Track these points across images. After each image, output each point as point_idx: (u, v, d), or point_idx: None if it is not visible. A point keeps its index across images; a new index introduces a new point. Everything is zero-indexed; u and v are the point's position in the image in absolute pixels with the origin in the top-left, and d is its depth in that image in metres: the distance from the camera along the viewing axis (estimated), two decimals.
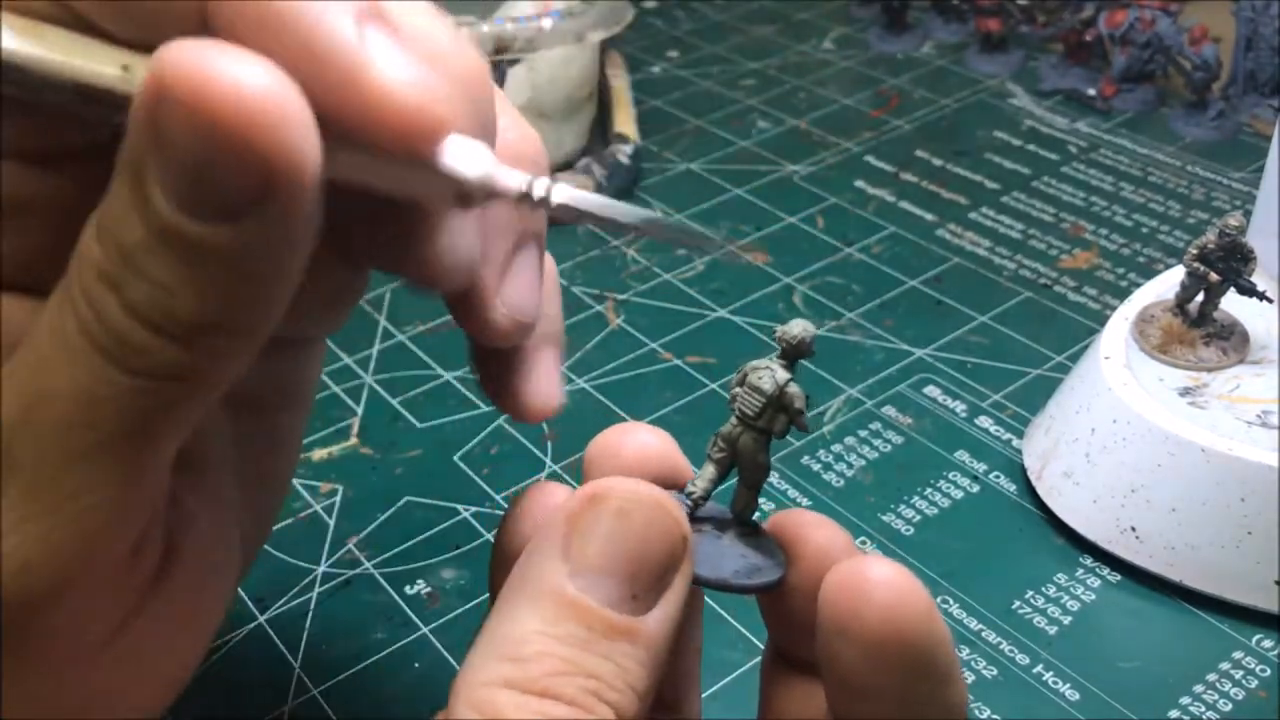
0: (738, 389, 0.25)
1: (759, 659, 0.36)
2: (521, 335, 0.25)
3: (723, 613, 0.38)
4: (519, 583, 0.21)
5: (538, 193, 0.20)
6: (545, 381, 0.26)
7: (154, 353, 0.18)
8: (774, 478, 0.43)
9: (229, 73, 0.16)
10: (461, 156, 0.19)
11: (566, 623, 0.20)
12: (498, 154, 0.21)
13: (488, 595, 0.38)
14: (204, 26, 0.18)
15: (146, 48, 0.18)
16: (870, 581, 0.21)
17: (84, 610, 0.20)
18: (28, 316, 0.20)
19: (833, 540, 0.24)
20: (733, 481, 0.25)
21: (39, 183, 0.20)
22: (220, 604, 0.25)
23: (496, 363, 0.26)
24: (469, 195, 0.19)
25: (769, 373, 0.24)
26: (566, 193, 0.20)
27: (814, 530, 0.24)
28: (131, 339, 0.18)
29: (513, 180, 0.19)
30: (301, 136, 0.17)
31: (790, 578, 0.24)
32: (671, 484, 0.25)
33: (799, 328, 0.24)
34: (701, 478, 0.25)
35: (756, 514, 0.26)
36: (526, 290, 0.24)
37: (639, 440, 0.25)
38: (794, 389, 0.24)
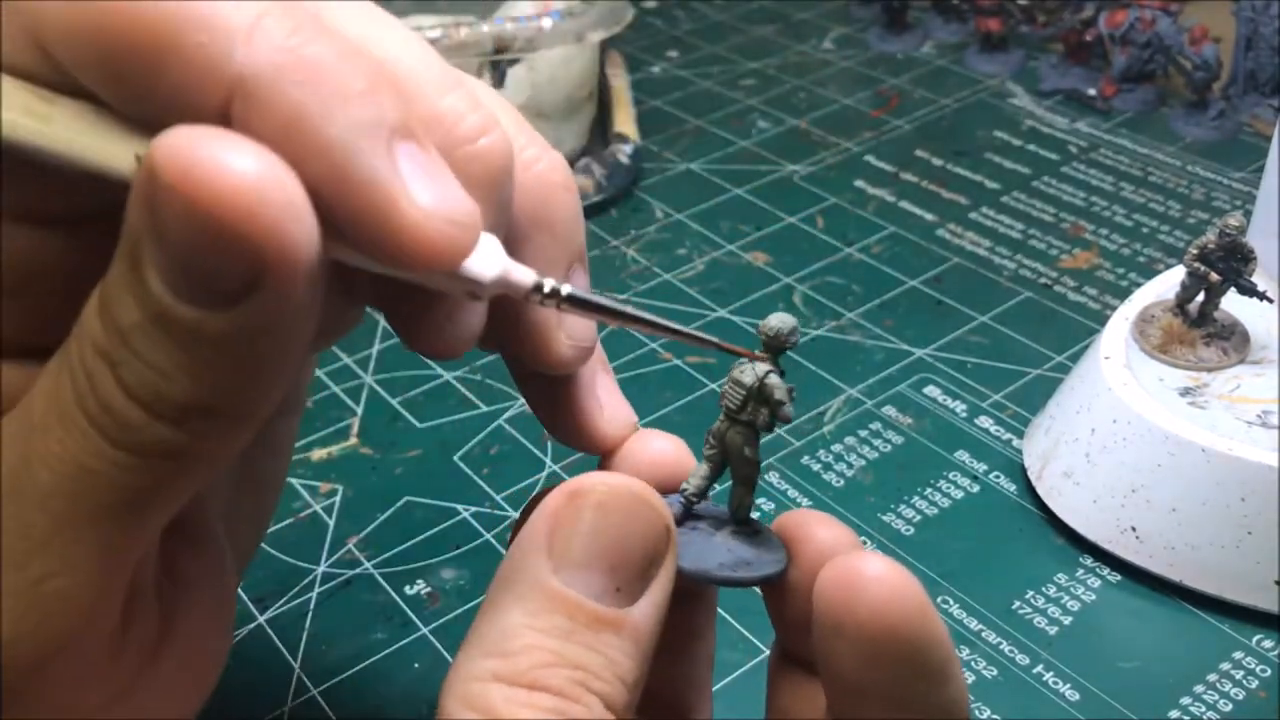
0: (725, 385, 0.25)
1: (760, 659, 0.36)
2: (583, 360, 0.25)
3: (724, 614, 0.38)
4: (505, 580, 0.21)
5: (547, 289, 0.21)
6: (615, 404, 0.26)
7: (145, 431, 0.18)
8: (774, 477, 0.43)
9: (220, 159, 0.16)
10: (477, 260, 0.19)
11: (551, 615, 0.20)
12: (525, 184, 0.22)
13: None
14: (226, 124, 0.18)
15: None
16: (864, 578, 0.21)
17: (74, 684, 0.20)
18: (30, 384, 0.20)
19: (836, 538, 0.24)
20: (729, 484, 0.25)
21: (49, 247, 0.20)
22: (217, 665, 0.25)
23: (560, 403, 0.26)
24: (481, 292, 0.20)
25: (749, 365, 0.24)
26: (573, 291, 0.21)
27: (817, 528, 0.24)
28: (124, 416, 0.18)
29: (524, 278, 0.20)
30: (295, 225, 0.17)
31: (792, 575, 0.24)
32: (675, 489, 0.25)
33: (777, 320, 0.24)
34: (695, 475, 0.25)
35: (757, 515, 0.26)
36: (583, 320, 0.25)
37: (654, 447, 0.25)
38: (774, 380, 0.24)
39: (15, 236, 0.20)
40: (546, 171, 0.23)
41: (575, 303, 0.21)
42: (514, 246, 0.23)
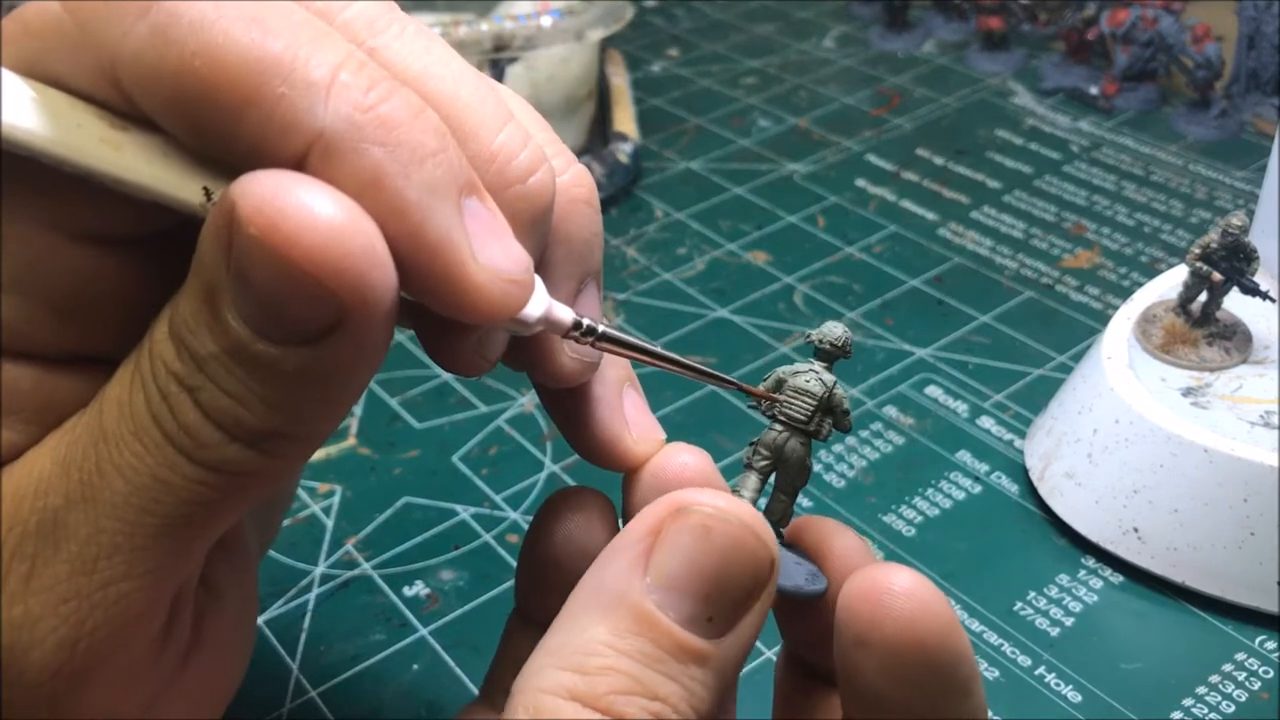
0: (775, 395, 0.24)
1: (762, 659, 0.36)
2: (589, 373, 0.25)
3: None
4: (591, 590, 0.21)
5: (585, 327, 0.22)
6: (642, 421, 0.26)
7: (223, 450, 0.19)
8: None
9: (306, 208, 0.17)
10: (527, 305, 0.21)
11: (637, 638, 0.20)
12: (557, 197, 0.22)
13: (489, 596, 0.39)
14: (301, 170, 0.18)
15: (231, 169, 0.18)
16: (891, 592, 0.20)
17: (117, 688, 0.21)
18: (71, 390, 0.20)
19: (853, 548, 0.24)
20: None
21: (106, 265, 0.20)
22: (242, 668, 0.25)
23: (586, 421, 0.25)
24: (526, 331, 0.21)
25: (814, 375, 0.24)
26: (607, 330, 0.22)
27: (835, 538, 0.24)
28: (203, 437, 0.19)
29: (564, 315, 0.22)
30: (378, 273, 0.17)
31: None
32: None
33: (840, 329, 0.24)
34: (747, 489, 0.24)
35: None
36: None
37: (678, 460, 0.25)
38: (841, 389, 0.24)
39: (76, 255, 0.20)
40: (569, 185, 0.23)
41: (610, 340, 0.22)
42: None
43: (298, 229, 0.17)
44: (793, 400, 0.24)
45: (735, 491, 0.24)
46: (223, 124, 0.18)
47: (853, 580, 0.21)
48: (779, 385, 0.24)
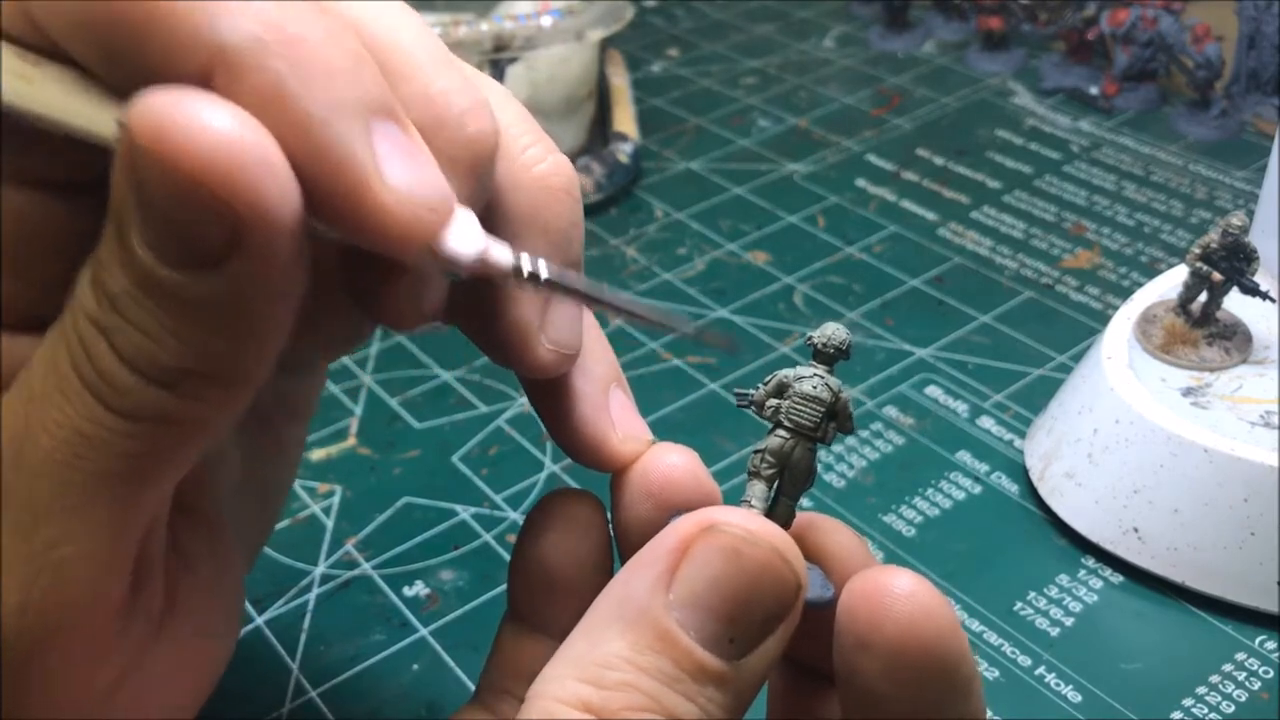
0: (777, 401, 0.24)
1: None
2: (566, 365, 0.24)
3: None
4: (614, 602, 0.20)
5: (526, 270, 0.20)
6: (628, 421, 0.25)
7: (139, 395, 0.18)
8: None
9: (195, 119, 0.16)
10: (456, 238, 0.19)
11: (657, 655, 0.19)
12: (523, 183, 0.22)
13: (488, 596, 0.39)
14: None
15: None
16: (892, 594, 0.20)
17: (84, 656, 0.20)
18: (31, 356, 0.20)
19: (851, 545, 0.24)
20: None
21: (50, 213, 0.20)
22: (225, 649, 0.25)
23: (572, 419, 0.25)
24: (460, 270, 0.20)
25: (819, 379, 0.23)
26: (552, 270, 0.21)
27: (832, 536, 0.24)
28: (118, 381, 0.18)
29: (503, 258, 0.20)
30: (273, 184, 0.17)
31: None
32: (702, 503, 0.24)
33: (842, 331, 0.24)
34: (757, 498, 0.24)
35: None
36: (567, 321, 0.24)
37: (667, 461, 0.24)
38: (847, 394, 0.24)
39: (14, 199, 0.20)
40: (547, 173, 0.23)
41: (554, 286, 0.21)
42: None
43: (186, 139, 0.16)
44: (800, 407, 0.24)
45: (743, 501, 0.24)
46: (128, 46, 0.17)
47: (854, 582, 0.21)
48: (781, 389, 0.24)
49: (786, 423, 0.24)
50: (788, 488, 0.24)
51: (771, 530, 0.21)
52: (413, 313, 0.22)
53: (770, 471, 0.24)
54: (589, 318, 0.25)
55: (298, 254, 0.18)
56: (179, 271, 0.17)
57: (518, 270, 0.20)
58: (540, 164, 0.23)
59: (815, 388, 0.23)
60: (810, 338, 0.24)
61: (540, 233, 0.23)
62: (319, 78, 0.18)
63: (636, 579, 0.20)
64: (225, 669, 0.25)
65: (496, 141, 0.21)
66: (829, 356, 0.24)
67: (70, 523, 0.19)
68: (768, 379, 0.24)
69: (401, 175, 0.18)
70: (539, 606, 0.25)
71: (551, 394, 0.25)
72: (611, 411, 0.25)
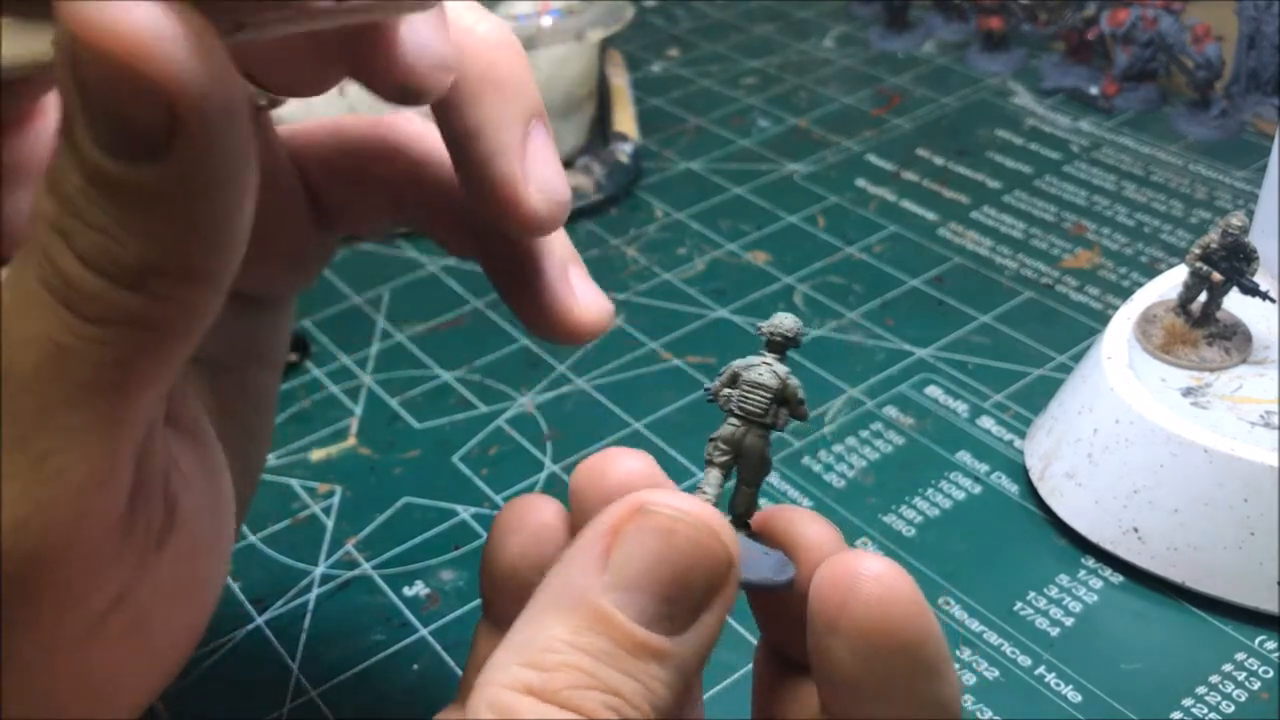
0: (730, 390, 0.24)
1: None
2: (559, 217, 0.25)
3: None
4: (552, 589, 0.21)
5: None
6: (590, 292, 0.27)
7: (106, 298, 0.18)
8: (774, 478, 0.43)
9: (117, 8, 0.16)
10: None
11: (595, 635, 0.20)
12: (469, 47, 0.24)
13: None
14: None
15: None
16: (859, 576, 0.21)
17: (83, 572, 0.20)
18: None
19: (824, 534, 0.24)
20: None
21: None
22: (220, 573, 0.25)
23: (534, 292, 0.26)
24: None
25: (767, 367, 0.24)
26: None
27: (805, 525, 0.24)
28: (85, 286, 0.18)
29: None
30: (199, 61, 0.17)
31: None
32: None
33: (790, 320, 0.24)
34: (710, 485, 0.24)
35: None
36: (552, 169, 0.25)
37: (623, 466, 0.25)
38: (795, 380, 0.24)
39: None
40: (489, 32, 0.24)
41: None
42: (466, 109, 0.24)
43: (114, 19, 0.16)
44: (748, 394, 0.24)
45: (698, 489, 0.24)
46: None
47: (823, 567, 0.21)
48: (734, 379, 0.24)
49: (737, 410, 0.24)
50: (745, 475, 0.25)
51: (700, 507, 0.21)
52: (412, 62, 0.22)
53: (723, 459, 0.24)
54: (512, 50, 0.26)
55: (242, 136, 0.18)
56: (125, 163, 0.17)
57: None
58: (480, 25, 0.24)
59: (762, 375, 0.24)
60: (760, 327, 0.24)
61: (494, 87, 0.24)
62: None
63: (572, 565, 0.21)
64: (221, 591, 0.25)
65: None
66: (777, 345, 0.24)
67: (61, 436, 0.19)
68: (723, 370, 0.25)
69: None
70: (507, 607, 0.25)
71: (515, 271, 0.26)
72: (571, 282, 0.27)
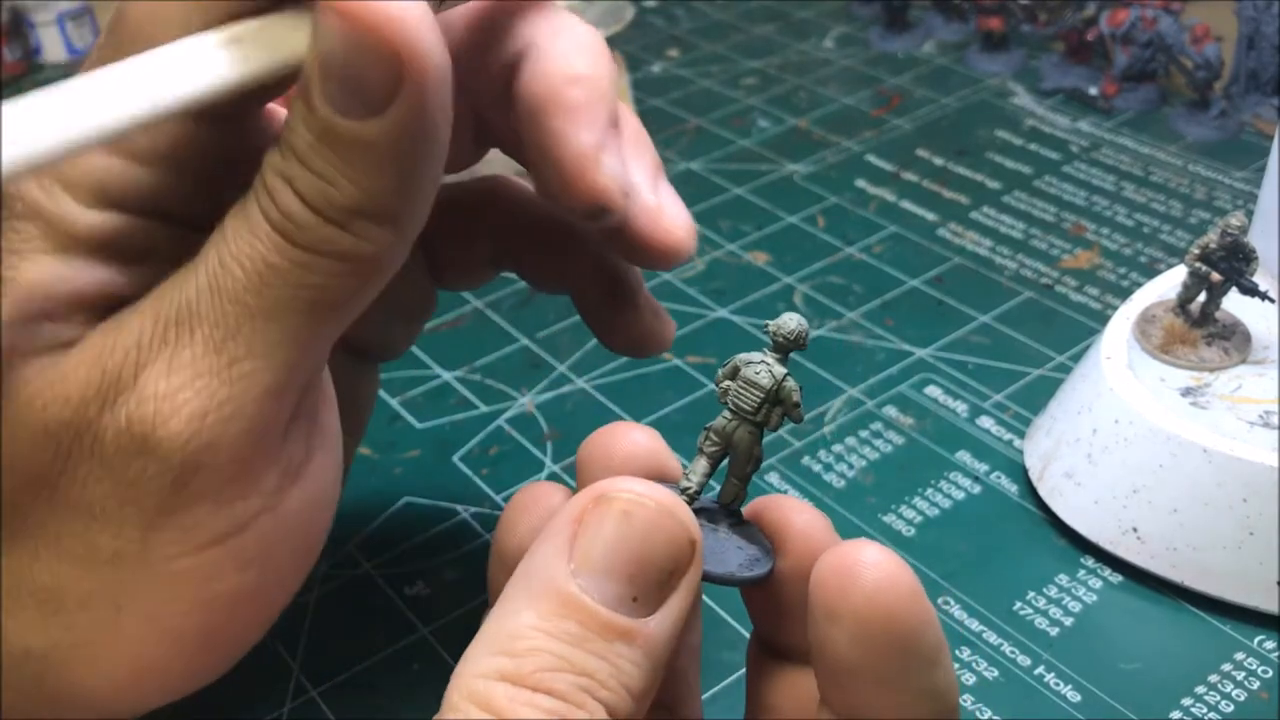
0: (729, 383, 0.25)
1: None
2: (619, 203, 0.26)
3: (723, 614, 0.38)
4: (521, 579, 0.21)
5: None
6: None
7: (318, 231, 0.21)
8: (774, 478, 0.43)
9: None
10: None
11: (563, 620, 0.21)
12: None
13: (487, 597, 0.39)
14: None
15: None
16: (860, 564, 0.21)
17: (237, 476, 0.22)
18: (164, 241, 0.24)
19: (814, 525, 0.25)
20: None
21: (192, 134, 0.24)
22: (321, 537, 0.26)
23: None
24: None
25: (765, 367, 0.24)
26: None
27: (796, 516, 0.25)
28: (301, 219, 0.21)
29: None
30: (426, 35, 0.20)
31: (778, 566, 0.25)
32: (661, 481, 0.25)
33: (794, 322, 0.24)
34: (695, 472, 0.25)
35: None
36: (621, 161, 0.27)
37: (629, 439, 0.26)
38: (791, 383, 0.24)
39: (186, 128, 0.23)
40: (584, 35, 0.27)
41: None
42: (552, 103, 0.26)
43: (364, 5, 0.20)
44: (742, 391, 0.24)
45: (684, 475, 0.25)
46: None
47: (825, 556, 0.22)
48: (735, 372, 0.25)
49: (730, 405, 0.25)
50: (733, 467, 0.25)
51: (660, 491, 0.22)
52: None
53: (712, 449, 0.25)
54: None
55: (445, 107, 0.21)
56: (351, 119, 0.20)
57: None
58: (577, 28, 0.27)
59: (757, 374, 0.24)
60: (766, 325, 0.25)
61: (580, 83, 0.26)
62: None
63: (539, 554, 0.21)
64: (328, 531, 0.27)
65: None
66: (780, 345, 0.24)
67: (254, 343, 0.22)
68: (727, 361, 0.25)
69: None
70: None
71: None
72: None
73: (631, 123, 0.29)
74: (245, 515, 0.23)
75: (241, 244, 0.22)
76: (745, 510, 0.26)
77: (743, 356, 0.25)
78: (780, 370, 0.24)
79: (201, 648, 0.25)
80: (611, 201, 0.26)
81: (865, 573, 0.21)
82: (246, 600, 0.24)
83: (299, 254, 0.21)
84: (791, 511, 0.25)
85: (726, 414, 0.25)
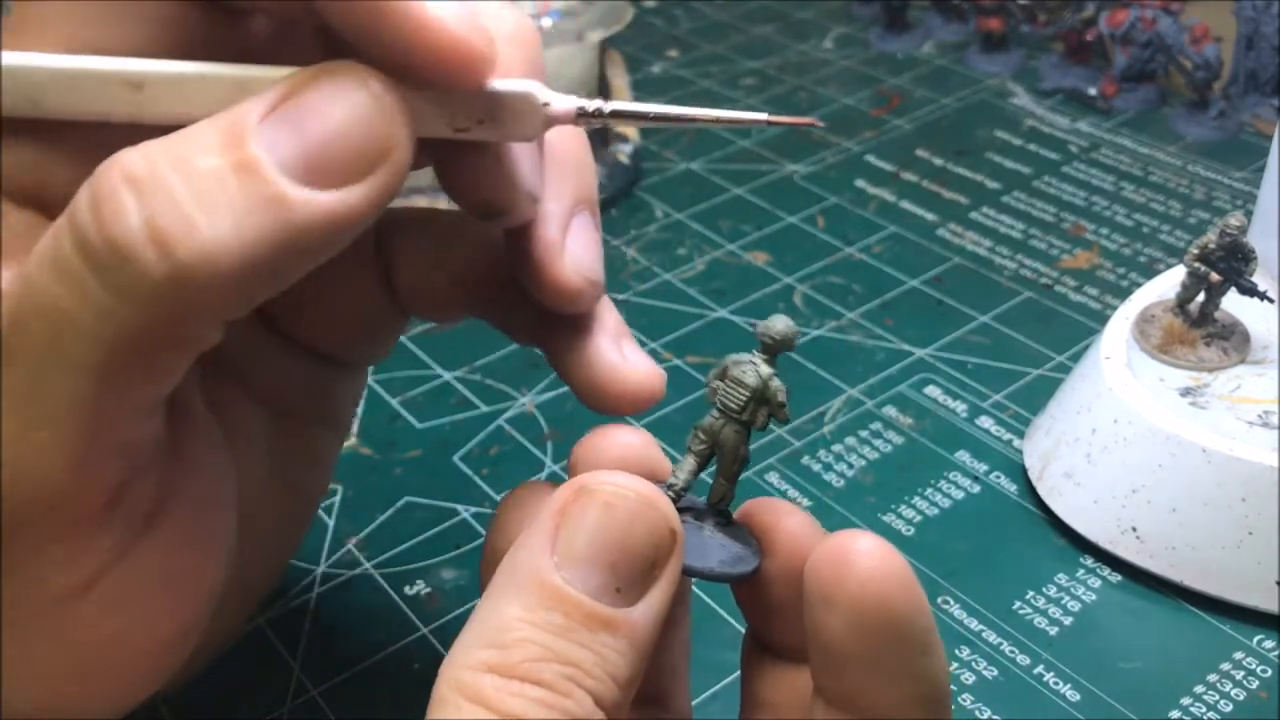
0: (718, 383, 0.25)
1: None
2: (592, 296, 0.26)
3: (722, 612, 0.38)
4: (507, 572, 0.22)
5: (591, 108, 0.23)
6: (641, 359, 0.27)
7: (125, 272, 0.19)
8: (774, 478, 0.43)
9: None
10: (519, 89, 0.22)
11: (548, 611, 0.21)
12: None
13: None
14: None
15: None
16: (854, 552, 0.21)
17: (61, 541, 0.21)
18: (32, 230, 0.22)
19: (803, 526, 0.25)
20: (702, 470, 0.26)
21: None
22: (213, 573, 0.25)
23: (584, 357, 0.27)
24: (532, 126, 0.22)
25: (752, 367, 0.25)
26: (617, 103, 0.23)
27: (786, 518, 0.25)
28: (110, 257, 0.19)
29: (568, 103, 0.23)
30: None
31: (766, 565, 0.25)
32: (652, 480, 0.25)
33: (782, 323, 0.25)
34: (682, 470, 0.25)
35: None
36: (590, 250, 0.26)
37: (621, 440, 0.26)
38: (777, 383, 0.25)
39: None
40: (515, 32, 0.25)
41: (620, 115, 0.23)
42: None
43: None
44: (729, 390, 0.25)
45: (671, 472, 0.25)
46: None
47: (821, 545, 0.22)
48: (724, 373, 0.25)
49: (717, 404, 0.25)
50: (721, 467, 0.25)
51: (640, 483, 0.22)
52: (506, 188, 0.24)
53: (700, 448, 0.25)
54: (579, 138, 0.27)
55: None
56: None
57: (582, 111, 0.23)
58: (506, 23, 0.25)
59: (745, 374, 0.25)
60: (755, 326, 0.25)
61: (551, 165, 0.25)
62: None
63: (524, 547, 0.22)
64: (221, 578, 0.26)
65: (534, 27, 0.25)
66: (767, 347, 0.25)
67: (51, 405, 0.20)
68: (719, 362, 0.25)
69: (453, 9, 0.21)
70: None
71: (569, 340, 0.27)
72: (624, 352, 0.27)
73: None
74: (91, 569, 0.22)
75: (48, 284, 0.20)
76: (735, 514, 0.26)
77: (733, 357, 0.25)
78: (766, 370, 0.25)
79: (95, 684, 0.24)
80: (581, 295, 0.26)
81: (860, 560, 0.21)
82: (123, 643, 0.24)
83: (104, 298, 0.20)
84: (780, 513, 0.25)
85: (714, 413, 0.25)
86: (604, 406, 0.27)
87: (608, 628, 0.21)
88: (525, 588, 0.21)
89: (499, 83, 0.22)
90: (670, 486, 0.25)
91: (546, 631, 0.21)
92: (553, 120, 0.23)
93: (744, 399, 0.25)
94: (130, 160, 0.20)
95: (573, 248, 0.26)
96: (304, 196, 0.20)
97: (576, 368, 0.27)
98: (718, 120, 0.24)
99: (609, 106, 0.23)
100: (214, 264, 0.19)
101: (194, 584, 0.25)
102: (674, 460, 0.26)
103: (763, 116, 0.24)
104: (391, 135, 0.21)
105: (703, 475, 0.26)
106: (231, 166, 0.20)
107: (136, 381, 0.21)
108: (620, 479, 0.22)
